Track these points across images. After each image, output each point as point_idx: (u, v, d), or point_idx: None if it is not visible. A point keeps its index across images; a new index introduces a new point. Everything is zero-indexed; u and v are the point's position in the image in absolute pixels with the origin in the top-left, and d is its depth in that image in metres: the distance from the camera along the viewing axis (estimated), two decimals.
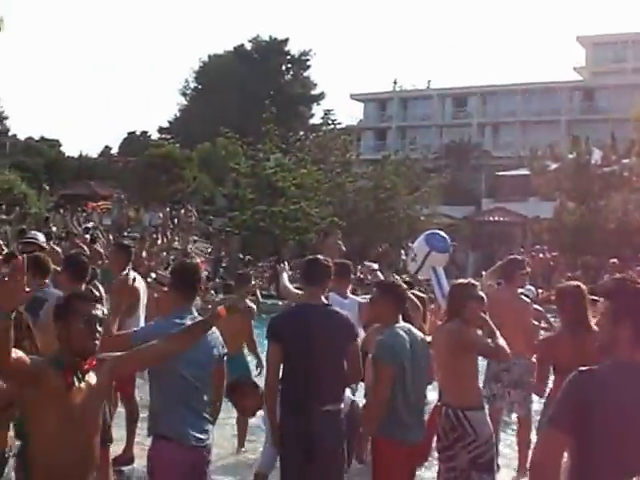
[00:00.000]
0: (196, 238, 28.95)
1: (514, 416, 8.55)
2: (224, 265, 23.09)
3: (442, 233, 8.78)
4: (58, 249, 15.44)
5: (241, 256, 24.00)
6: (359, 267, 19.79)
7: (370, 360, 5.87)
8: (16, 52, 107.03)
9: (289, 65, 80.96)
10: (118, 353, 4.11)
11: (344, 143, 29.23)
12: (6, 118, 73.40)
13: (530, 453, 4.91)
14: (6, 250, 13.19)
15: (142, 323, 7.43)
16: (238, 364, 8.02)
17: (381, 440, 5.61)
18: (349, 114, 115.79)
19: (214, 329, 4.91)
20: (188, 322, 4.77)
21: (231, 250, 23.92)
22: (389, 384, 5.48)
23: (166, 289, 7.56)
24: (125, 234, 29.43)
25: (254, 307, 9.47)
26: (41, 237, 10.34)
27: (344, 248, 19.59)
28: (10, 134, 72.30)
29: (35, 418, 3.75)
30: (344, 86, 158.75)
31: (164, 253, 24.66)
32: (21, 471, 4.13)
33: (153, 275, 10.65)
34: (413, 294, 7.33)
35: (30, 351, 4.18)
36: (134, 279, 7.19)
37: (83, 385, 3.82)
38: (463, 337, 5.88)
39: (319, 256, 6.12)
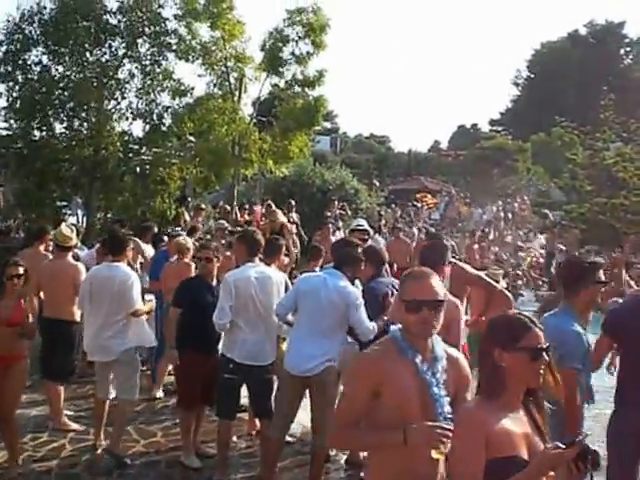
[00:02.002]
0: (530, 232, 27.99)
1: None
2: (559, 260, 22.03)
3: None
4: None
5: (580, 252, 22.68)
6: None
7: None
8: (343, 50, 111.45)
9: (628, 49, 76.67)
10: None
11: None
12: (336, 116, 76.52)
13: None
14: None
15: None
16: None
17: None
18: None
19: None
20: None
21: (568, 244, 22.66)
22: None
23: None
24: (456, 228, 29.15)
25: None
26: (366, 225, 10.38)
27: None
28: (340, 132, 75.14)
29: None
30: None
31: (496, 248, 24.03)
32: None
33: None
34: None
35: None
36: None
37: None
38: None
39: None
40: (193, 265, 9.14)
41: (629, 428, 5.32)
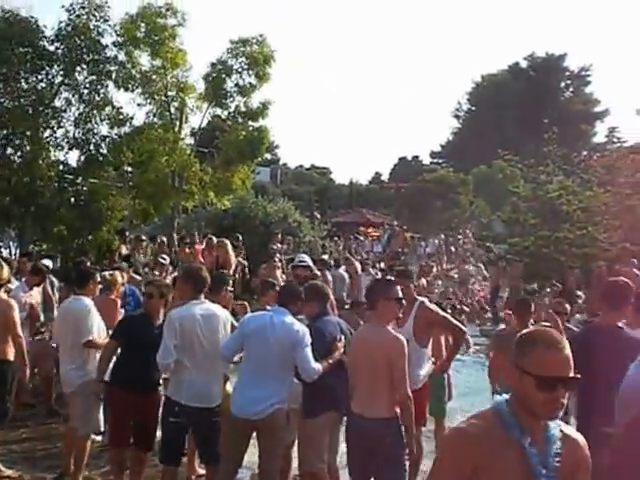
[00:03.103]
0: (473, 266, 27.94)
1: None
2: (503, 294, 22.00)
3: None
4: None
5: (523, 285, 22.67)
6: None
7: None
8: (285, 82, 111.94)
9: (568, 82, 78.30)
10: None
11: (633, 162, 26.89)
12: (277, 147, 76.44)
13: None
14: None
15: None
16: None
17: None
18: (636, 131, 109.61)
19: None
20: None
21: (512, 278, 22.61)
22: None
23: None
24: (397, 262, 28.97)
25: None
26: (309, 260, 9.95)
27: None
28: (281, 163, 75.15)
29: None
30: (630, 101, 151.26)
31: (439, 281, 23.89)
32: None
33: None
34: None
35: None
36: None
37: None
38: None
39: (620, 279, 6.34)
40: (119, 302, 9.18)
41: None
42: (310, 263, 10.25)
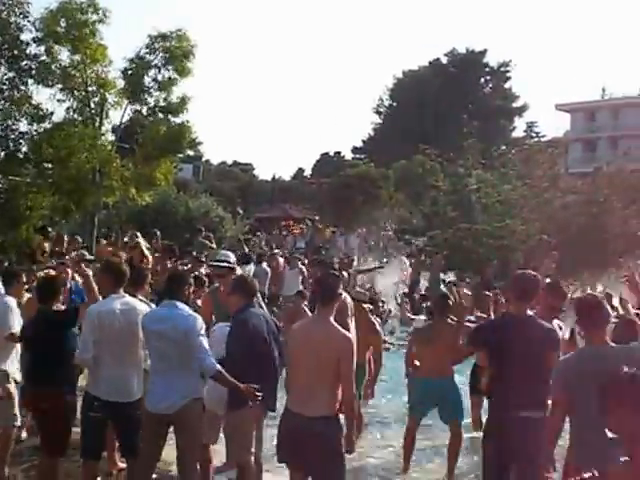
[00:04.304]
0: (394, 258, 28.23)
1: None
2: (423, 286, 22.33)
3: None
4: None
5: (442, 276, 23.06)
6: (570, 287, 18.42)
7: None
8: (206, 77, 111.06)
9: (488, 77, 79.59)
10: None
11: (551, 156, 27.56)
12: (200, 143, 75.74)
13: None
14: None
15: None
16: None
17: None
18: (554, 126, 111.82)
19: None
20: None
21: (432, 270, 22.98)
22: None
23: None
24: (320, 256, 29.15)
25: None
26: (232, 257, 9.70)
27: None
28: (203, 159, 74.55)
29: None
30: (548, 97, 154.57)
31: (359, 275, 24.07)
32: None
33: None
34: None
35: None
36: None
37: None
38: None
39: (527, 272, 6.72)
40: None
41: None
42: (229, 261, 9.80)
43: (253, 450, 6.91)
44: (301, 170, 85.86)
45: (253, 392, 6.44)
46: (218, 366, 6.49)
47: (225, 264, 8.94)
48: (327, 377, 6.02)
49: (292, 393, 6.26)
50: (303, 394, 6.10)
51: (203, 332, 6.65)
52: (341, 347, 6.04)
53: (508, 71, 79.10)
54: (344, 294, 7.86)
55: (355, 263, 24.30)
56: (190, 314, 6.73)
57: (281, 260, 21.81)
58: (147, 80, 20.56)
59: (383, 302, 20.58)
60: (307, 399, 6.04)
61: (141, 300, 7.53)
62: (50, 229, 18.60)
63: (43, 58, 18.85)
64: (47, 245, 17.22)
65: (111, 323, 6.86)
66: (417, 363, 8.95)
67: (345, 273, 19.71)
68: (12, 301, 8.07)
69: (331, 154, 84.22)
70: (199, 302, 8.99)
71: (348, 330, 6.92)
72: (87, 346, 6.81)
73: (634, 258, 22.74)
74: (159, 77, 20.58)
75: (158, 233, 18.64)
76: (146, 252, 15.38)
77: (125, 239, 18.08)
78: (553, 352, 6.21)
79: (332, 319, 6.24)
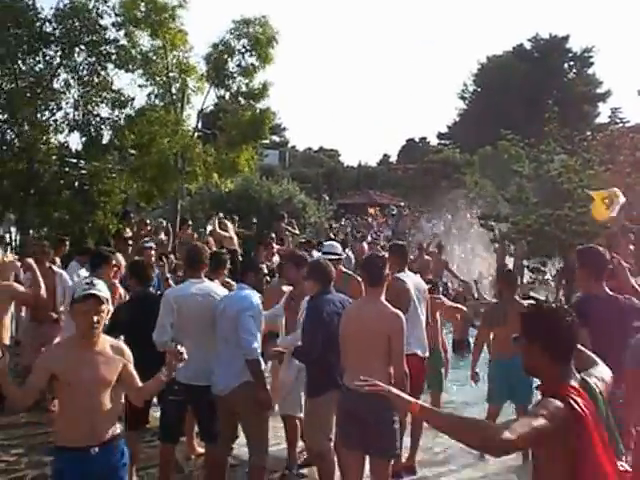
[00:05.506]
0: (479, 245, 27.85)
1: None
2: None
3: None
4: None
5: (525, 263, 22.67)
6: None
7: None
8: (293, 62, 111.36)
9: (571, 63, 78.20)
10: None
11: (633, 141, 26.82)
12: (285, 130, 76.13)
13: None
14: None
15: None
16: None
17: None
18: (638, 111, 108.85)
19: None
20: None
21: (516, 256, 22.61)
22: None
23: None
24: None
25: None
26: (339, 248, 9.50)
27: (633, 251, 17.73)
28: (289, 145, 74.91)
29: None
30: (632, 82, 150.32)
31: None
32: None
33: None
34: None
35: None
36: None
37: None
38: None
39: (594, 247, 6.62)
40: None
41: None
42: (339, 251, 9.58)
43: (332, 437, 6.90)
44: (387, 156, 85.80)
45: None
46: (253, 355, 6.59)
47: (334, 255, 8.89)
48: (380, 354, 6.13)
49: (347, 370, 6.32)
50: (358, 371, 6.00)
51: (249, 312, 6.69)
52: (392, 324, 6.14)
53: (591, 57, 77.81)
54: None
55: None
56: (241, 295, 6.91)
57: (365, 246, 21.76)
58: (231, 65, 20.62)
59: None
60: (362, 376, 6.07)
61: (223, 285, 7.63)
62: (133, 215, 18.90)
63: (123, 43, 18.96)
64: (128, 231, 17.51)
65: (188, 307, 6.96)
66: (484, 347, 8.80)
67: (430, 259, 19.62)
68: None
69: (416, 140, 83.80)
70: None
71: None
72: (165, 329, 6.91)
73: None
74: (243, 63, 20.61)
75: (237, 218, 18.81)
76: (233, 235, 15.54)
77: (209, 226, 18.35)
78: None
79: (383, 299, 6.36)
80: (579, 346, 4.06)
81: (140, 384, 5.14)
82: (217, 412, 6.96)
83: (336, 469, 6.94)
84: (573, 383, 3.61)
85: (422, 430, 8.31)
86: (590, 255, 6.49)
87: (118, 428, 5.08)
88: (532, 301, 8.92)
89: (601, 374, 3.98)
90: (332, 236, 23.81)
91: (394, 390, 4.37)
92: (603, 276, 6.35)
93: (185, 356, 5.12)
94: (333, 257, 8.76)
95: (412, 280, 8.28)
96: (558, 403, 3.47)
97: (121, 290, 9.70)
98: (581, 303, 6.76)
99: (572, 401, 3.47)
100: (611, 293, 6.37)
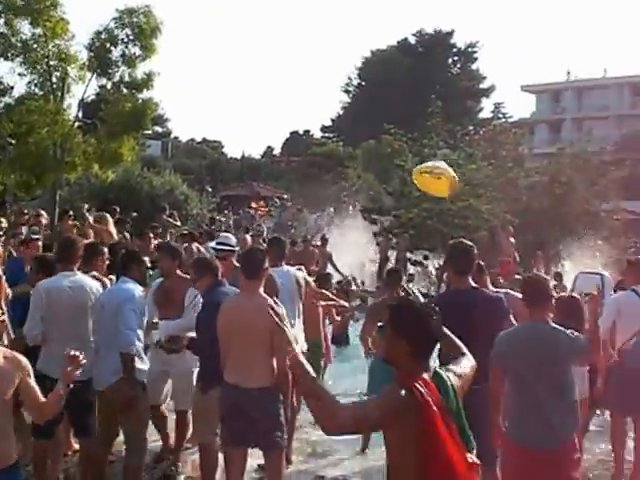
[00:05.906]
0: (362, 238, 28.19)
1: None
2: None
3: None
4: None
5: (408, 256, 23.10)
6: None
7: None
8: (175, 54, 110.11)
9: (455, 58, 79.77)
10: None
11: (515, 137, 27.71)
12: (168, 120, 75.21)
13: None
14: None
15: None
16: None
17: None
18: (520, 107, 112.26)
19: None
20: None
21: (398, 250, 23.04)
22: None
23: None
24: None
25: None
26: (233, 240, 9.44)
27: (514, 244, 18.34)
28: (172, 136, 74.03)
29: None
30: (514, 78, 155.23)
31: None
32: None
33: None
34: None
35: None
36: None
37: None
38: None
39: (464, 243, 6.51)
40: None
41: None
42: (233, 243, 9.55)
43: (218, 431, 6.84)
44: (270, 148, 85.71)
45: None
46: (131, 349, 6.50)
47: (227, 247, 8.82)
48: (262, 348, 6.08)
49: (228, 366, 6.25)
50: (239, 366, 6.15)
51: (129, 305, 6.60)
52: (272, 320, 5.97)
53: (475, 52, 79.49)
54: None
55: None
56: (122, 288, 6.84)
57: (248, 238, 21.73)
58: (114, 54, 20.23)
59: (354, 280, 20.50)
60: (244, 371, 6.11)
61: (94, 277, 7.43)
62: (10, 205, 18.35)
63: (2, 31, 18.54)
64: (4, 221, 16.96)
65: (58, 300, 6.77)
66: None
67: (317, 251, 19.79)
68: None
69: (300, 132, 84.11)
70: None
71: None
72: (35, 322, 6.73)
73: (595, 237, 23.18)
74: (126, 52, 20.24)
75: (118, 210, 18.50)
76: (112, 230, 15.25)
77: (90, 218, 17.93)
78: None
79: (262, 291, 6.33)
80: (447, 331, 4.24)
81: (42, 399, 4.70)
82: (93, 407, 6.85)
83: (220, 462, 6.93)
84: (424, 375, 3.74)
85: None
86: (454, 250, 6.55)
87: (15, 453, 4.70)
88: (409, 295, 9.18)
89: (461, 369, 4.08)
90: (209, 228, 23.69)
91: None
92: (467, 271, 6.37)
93: (83, 361, 4.80)
94: (226, 248, 8.78)
95: (289, 274, 8.23)
96: (400, 390, 3.62)
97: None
98: (441, 297, 6.97)
99: (414, 389, 3.59)
100: (475, 286, 6.43)
